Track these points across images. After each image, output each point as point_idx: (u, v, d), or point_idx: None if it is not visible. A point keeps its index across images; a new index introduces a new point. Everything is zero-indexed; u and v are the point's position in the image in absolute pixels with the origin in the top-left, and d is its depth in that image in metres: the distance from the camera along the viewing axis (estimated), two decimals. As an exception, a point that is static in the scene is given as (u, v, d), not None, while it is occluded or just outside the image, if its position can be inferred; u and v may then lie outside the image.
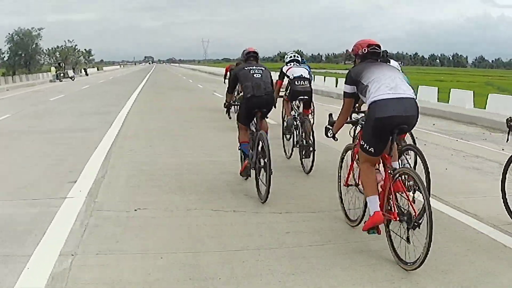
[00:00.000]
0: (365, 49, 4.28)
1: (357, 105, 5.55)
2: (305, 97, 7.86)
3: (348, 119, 4.70)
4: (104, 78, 49.09)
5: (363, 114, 4.83)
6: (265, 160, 5.45)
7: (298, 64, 8.36)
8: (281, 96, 8.39)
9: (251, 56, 6.41)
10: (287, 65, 8.29)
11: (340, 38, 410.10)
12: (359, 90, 4.16)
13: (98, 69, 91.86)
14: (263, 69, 6.17)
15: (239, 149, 6.36)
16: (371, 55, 4.26)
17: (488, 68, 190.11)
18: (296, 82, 7.82)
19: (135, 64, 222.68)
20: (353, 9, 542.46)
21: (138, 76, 53.97)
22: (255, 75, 6.00)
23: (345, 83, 4.33)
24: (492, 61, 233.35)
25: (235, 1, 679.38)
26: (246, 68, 6.10)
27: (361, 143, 4.11)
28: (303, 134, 7.24)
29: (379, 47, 4.31)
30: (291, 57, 8.48)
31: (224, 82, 16.27)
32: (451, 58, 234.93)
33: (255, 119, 6.06)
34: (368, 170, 4.12)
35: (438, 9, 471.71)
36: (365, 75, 4.08)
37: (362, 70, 4.14)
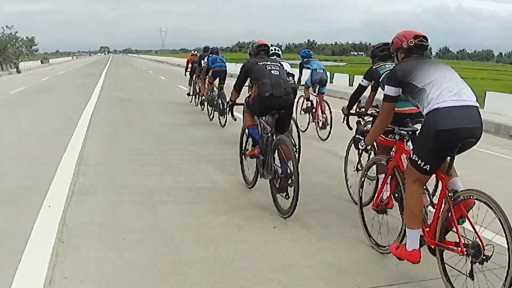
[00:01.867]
0: (411, 41, 3.47)
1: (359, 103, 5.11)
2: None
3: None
4: (35, 79, 30.08)
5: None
6: (290, 169, 4.57)
7: (279, 59, 7.39)
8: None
9: (262, 50, 5.40)
10: None
11: (298, 28, 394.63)
12: (407, 93, 3.33)
13: (42, 62, 70.95)
14: (279, 64, 5.20)
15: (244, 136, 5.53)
16: (417, 48, 3.46)
17: (454, 59, 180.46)
18: None
19: (90, 55, 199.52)
20: (311, 0, 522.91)
21: (90, 74, 35.05)
22: (272, 71, 5.01)
23: (387, 84, 3.45)
24: (457, 52, 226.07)
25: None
26: (260, 64, 5.10)
27: (414, 158, 3.22)
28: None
29: (427, 39, 3.49)
30: (272, 51, 7.39)
31: (185, 74, 15.37)
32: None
33: (270, 119, 5.04)
34: (417, 194, 3.28)
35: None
36: (419, 75, 3.25)
37: (413, 69, 3.30)
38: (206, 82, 11.56)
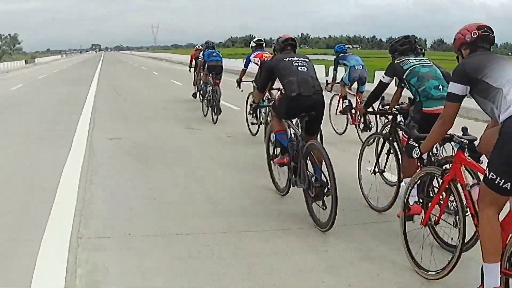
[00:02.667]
0: (475, 33, 3.00)
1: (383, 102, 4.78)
2: None
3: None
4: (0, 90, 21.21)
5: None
6: (325, 177, 3.99)
7: None
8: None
9: (288, 45, 4.77)
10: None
11: (288, 22, 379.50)
12: (477, 92, 2.82)
13: (26, 62, 61.70)
14: (307, 60, 4.59)
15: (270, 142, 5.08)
16: (482, 41, 2.98)
17: (450, 51, 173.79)
18: None
19: (80, 53, 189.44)
20: None
21: (78, 79, 26.55)
22: (299, 68, 4.44)
23: (453, 80, 2.93)
24: (453, 43, 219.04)
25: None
26: (286, 60, 4.53)
27: (490, 177, 2.61)
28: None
29: (492, 30, 3.04)
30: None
31: (190, 71, 14.83)
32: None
33: (298, 123, 4.65)
34: (494, 220, 2.65)
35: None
36: (493, 72, 2.74)
37: (485, 64, 2.80)
38: (202, 75, 11.30)
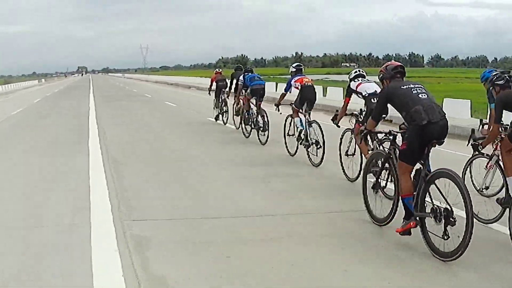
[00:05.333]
0: None
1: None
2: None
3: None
4: None
5: None
6: (448, 206, 3.77)
7: (366, 80, 6.68)
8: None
9: (398, 73, 4.45)
10: (354, 81, 6.58)
11: (276, 42, 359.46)
12: None
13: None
14: (423, 86, 4.26)
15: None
16: None
17: (447, 67, 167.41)
18: (372, 99, 6.19)
19: (65, 76, 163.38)
20: (285, 13, 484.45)
21: None
22: (420, 95, 4.11)
23: None
24: (452, 58, 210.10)
25: (169, 9, 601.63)
26: (404, 87, 4.21)
27: None
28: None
29: None
30: (356, 72, 6.74)
31: (209, 93, 14.18)
32: (407, 58, 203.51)
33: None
34: None
35: (371, 9, 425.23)
36: None
37: None
38: (242, 99, 11.15)
